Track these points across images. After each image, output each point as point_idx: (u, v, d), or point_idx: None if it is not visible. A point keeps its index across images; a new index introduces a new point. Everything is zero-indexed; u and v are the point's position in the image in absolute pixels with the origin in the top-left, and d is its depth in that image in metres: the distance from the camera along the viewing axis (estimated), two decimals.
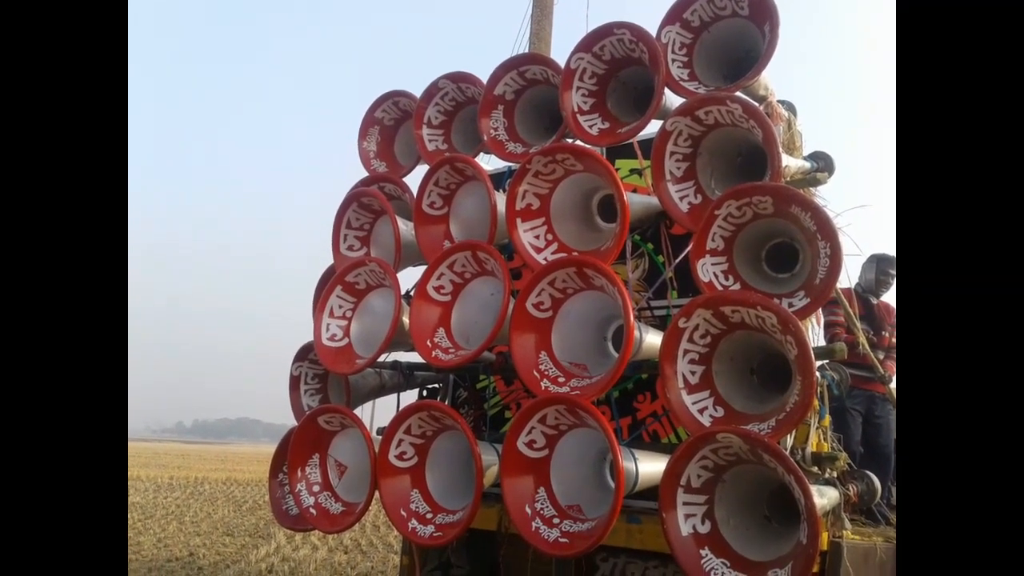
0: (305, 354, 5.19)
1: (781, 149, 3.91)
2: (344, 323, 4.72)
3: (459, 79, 5.21)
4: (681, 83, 4.25)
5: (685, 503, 3.45)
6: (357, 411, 4.73)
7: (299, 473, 4.49)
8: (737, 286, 3.78)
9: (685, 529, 3.42)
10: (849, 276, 6.04)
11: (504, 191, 4.42)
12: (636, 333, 3.59)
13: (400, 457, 4.16)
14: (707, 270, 3.80)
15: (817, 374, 3.45)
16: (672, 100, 4.25)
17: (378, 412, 5.17)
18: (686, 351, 3.66)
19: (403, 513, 4.06)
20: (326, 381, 5.27)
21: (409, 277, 4.90)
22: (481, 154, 5.09)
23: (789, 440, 3.89)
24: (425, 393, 5.41)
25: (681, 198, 4.08)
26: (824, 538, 3.83)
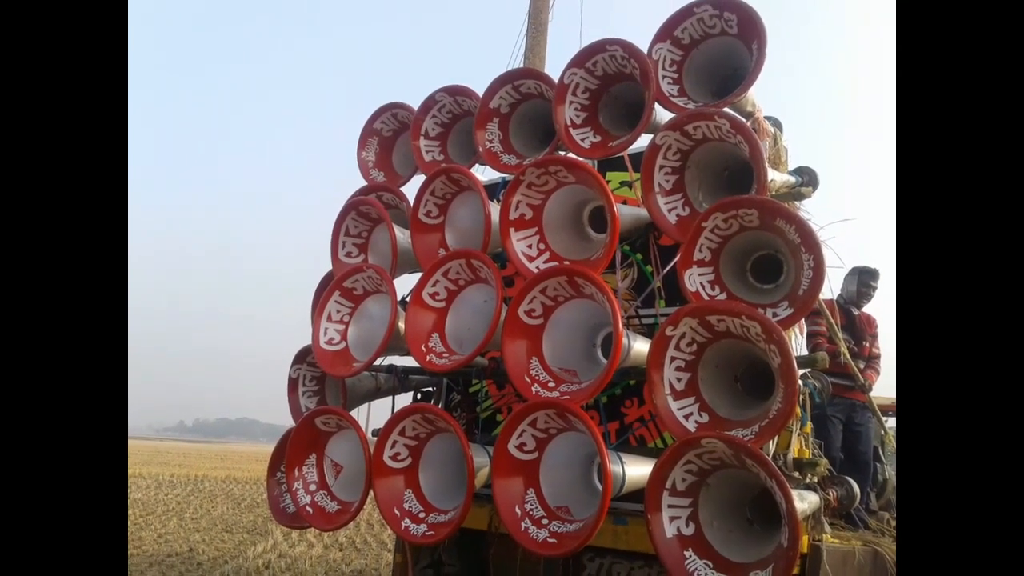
0: (303, 357, 5.26)
1: (767, 164, 3.97)
2: (342, 327, 4.79)
3: (456, 92, 5.26)
4: (671, 99, 4.31)
5: (670, 505, 3.52)
6: (353, 413, 4.77)
7: (296, 472, 4.56)
8: (723, 296, 3.85)
9: (670, 531, 3.49)
10: (832, 288, 6.11)
11: (498, 201, 4.49)
12: (624, 340, 3.67)
13: (394, 458, 4.24)
14: (694, 280, 3.87)
15: (799, 382, 3.52)
16: (662, 115, 4.30)
17: (373, 414, 5.22)
18: (673, 358, 3.72)
19: (397, 512, 4.13)
20: (323, 383, 5.34)
21: (405, 284, 4.96)
22: (476, 165, 5.14)
23: (772, 446, 3.98)
24: (419, 396, 5.45)
25: (669, 210, 4.15)
26: (804, 541, 3.90)
